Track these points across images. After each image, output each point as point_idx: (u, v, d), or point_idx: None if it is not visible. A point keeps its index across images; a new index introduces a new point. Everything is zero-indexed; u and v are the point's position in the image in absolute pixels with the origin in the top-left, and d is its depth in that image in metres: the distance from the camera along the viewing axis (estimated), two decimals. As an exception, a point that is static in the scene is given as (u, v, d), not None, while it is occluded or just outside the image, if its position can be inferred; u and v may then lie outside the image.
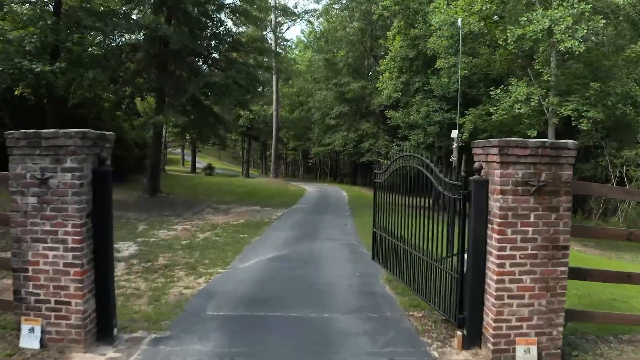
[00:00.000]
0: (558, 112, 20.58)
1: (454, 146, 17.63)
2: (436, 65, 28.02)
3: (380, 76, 35.90)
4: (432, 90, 31.99)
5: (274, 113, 42.66)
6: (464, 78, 30.74)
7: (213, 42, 24.27)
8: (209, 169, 53.22)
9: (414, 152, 30.45)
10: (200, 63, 25.66)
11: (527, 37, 20.41)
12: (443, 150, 34.25)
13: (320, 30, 49.69)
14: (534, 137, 22.75)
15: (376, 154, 41.89)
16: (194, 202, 24.37)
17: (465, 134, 26.12)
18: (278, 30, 53.49)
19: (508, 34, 21.09)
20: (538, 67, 21.29)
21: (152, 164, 23.67)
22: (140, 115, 26.88)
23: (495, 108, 21.14)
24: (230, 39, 24.43)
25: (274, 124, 43.03)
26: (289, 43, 65.21)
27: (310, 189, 37.97)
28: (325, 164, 73.87)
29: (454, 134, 18.28)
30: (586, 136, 24.52)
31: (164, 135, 46.95)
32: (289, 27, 54.62)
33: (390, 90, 34.10)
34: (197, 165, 76.06)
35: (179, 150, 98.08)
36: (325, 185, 45.57)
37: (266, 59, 26.39)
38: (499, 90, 21.37)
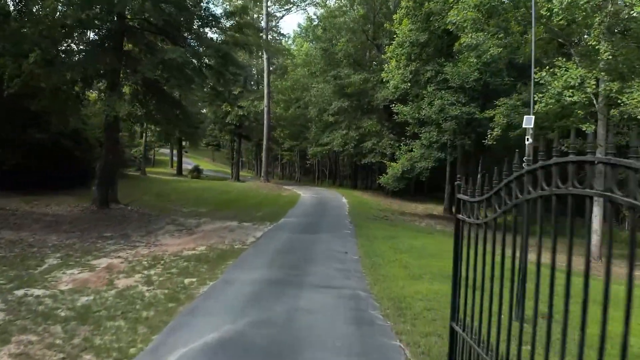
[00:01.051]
0: (620, 102, 15.79)
1: (528, 141, 12.38)
2: (461, 43, 23.21)
3: (386, 65, 31.11)
4: (448, 80, 27.28)
5: (265, 109, 38.04)
6: (485, 65, 26.13)
7: (182, 18, 19.44)
8: (196, 172, 48.49)
9: (425, 152, 25.60)
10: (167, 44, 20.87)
11: (581, 4, 15.69)
12: (459, 151, 29.47)
13: (317, 16, 44.94)
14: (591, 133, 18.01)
15: (380, 155, 37.14)
16: (158, 215, 19.59)
17: (496, 129, 21.37)
18: (271, 23, 48.71)
19: (554, 1, 16.34)
20: (592, 42, 16.50)
21: (103, 168, 18.88)
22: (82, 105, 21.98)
23: (541, 95, 16.34)
24: (203, 13, 19.61)
25: (265, 121, 38.39)
26: (285, 38, 60.33)
27: (306, 194, 33.21)
28: (324, 165, 69.05)
29: (528, 121, 12.94)
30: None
31: (141, 133, 42.29)
32: (282, 16, 49.82)
33: (398, 80, 29.33)
34: (188, 166, 71.74)
35: (167, 150, 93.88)
36: (323, 189, 40.83)
37: (250, 37, 21.44)
38: (544, 73, 16.57)
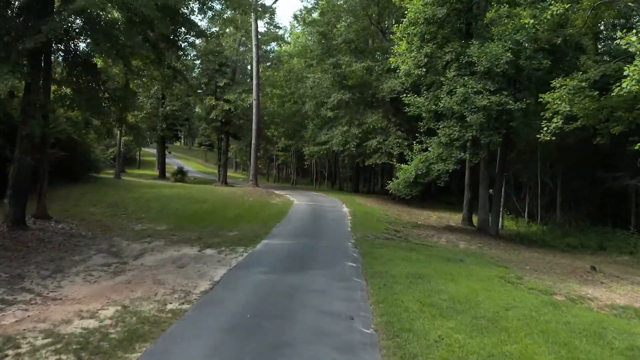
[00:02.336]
0: None
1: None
2: (497, 11, 18.24)
3: (395, 47, 26.03)
4: (471, 64, 22.27)
5: (254, 102, 33.00)
6: (516, 43, 21.17)
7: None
8: (180, 174, 43.38)
9: (444, 152, 20.77)
10: None
11: None
12: (484, 150, 24.37)
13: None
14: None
15: (386, 155, 32.06)
16: (94, 236, 14.54)
17: (556, 120, 16.31)
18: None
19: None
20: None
21: (18, 174, 13.78)
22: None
23: (634, 68, 11.25)
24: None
25: (253, 117, 33.32)
26: (280, 30, 55.02)
27: (300, 202, 28.16)
28: (322, 167, 64.01)
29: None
30: None
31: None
32: (275, 0, 44.61)
33: (410, 66, 24.28)
34: (179, 167, 66.70)
35: (170, 152, 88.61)
36: (321, 194, 35.75)
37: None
38: (633, 37, 11.49)
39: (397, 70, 26.15)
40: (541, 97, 17.54)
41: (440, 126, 23.16)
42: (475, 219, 28.60)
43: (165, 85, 22.73)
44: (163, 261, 11.52)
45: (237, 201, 25.67)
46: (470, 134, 21.62)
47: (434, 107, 23.30)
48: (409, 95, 24.28)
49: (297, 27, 54.15)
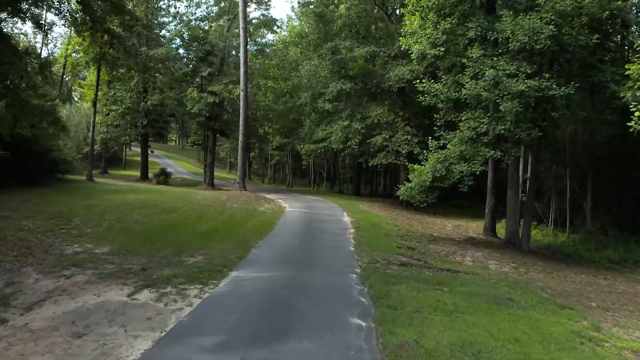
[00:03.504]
0: None
1: None
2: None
3: (405, 25, 21.81)
4: (504, 41, 18.12)
5: (242, 94, 28.69)
6: (559, 14, 17.15)
7: None
8: (163, 175, 39.06)
9: (467, 150, 16.46)
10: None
11: None
12: (518, 147, 20.05)
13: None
14: None
15: (393, 154, 27.83)
16: (-7, 268, 10.30)
17: None
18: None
19: None
20: None
21: None
22: None
23: None
24: None
25: (241, 110, 29.01)
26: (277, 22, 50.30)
27: (293, 209, 23.98)
28: (321, 167, 59.78)
29: None
30: None
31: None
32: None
33: (425, 45, 20.12)
34: (165, 168, 62.08)
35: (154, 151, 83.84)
36: (319, 199, 31.50)
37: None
38: None
39: (409, 52, 21.94)
40: (628, 69, 13.35)
41: (463, 118, 18.93)
42: (499, 229, 24.46)
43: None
44: (61, 319, 7.30)
45: (216, 209, 21.40)
46: (502, 128, 17.35)
47: (454, 94, 19.07)
48: (423, 81, 20.02)
49: (293, 19, 49.87)
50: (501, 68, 17.54)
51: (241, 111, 29.29)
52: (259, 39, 38.90)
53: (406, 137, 27.28)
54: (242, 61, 29.30)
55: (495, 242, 21.68)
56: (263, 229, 17.01)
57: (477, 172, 17.59)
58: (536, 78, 17.10)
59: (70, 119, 49.93)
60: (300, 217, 20.92)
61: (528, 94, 16.73)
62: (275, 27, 41.34)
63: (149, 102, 37.40)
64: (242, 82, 29.16)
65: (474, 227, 26.52)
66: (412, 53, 21.86)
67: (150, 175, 41.36)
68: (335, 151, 37.11)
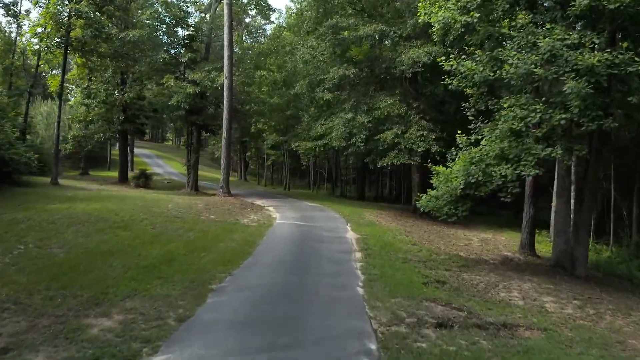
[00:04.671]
0: None
1: None
2: None
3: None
4: (561, 3, 13.66)
5: (225, 82, 24.10)
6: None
7: None
8: (143, 178, 34.50)
9: (512, 147, 12.49)
10: None
11: None
12: (580, 145, 15.33)
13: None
14: None
15: (406, 153, 23.25)
16: None
17: None
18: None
19: None
20: None
21: None
22: None
23: None
24: None
25: (224, 102, 24.38)
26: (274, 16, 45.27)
27: (284, 220, 19.47)
28: (321, 167, 55.21)
29: None
30: None
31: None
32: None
33: (452, 12, 15.58)
34: (156, 169, 57.42)
35: (144, 151, 79.05)
36: (317, 206, 26.89)
37: None
38: None
39: (430, 25, 17.34)
40: None
41: (505, 105, 14.31)
42: (540, 246, 20.03)
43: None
44: None
45: (184, 223, 16.82)
46: (563, 117, 12.73)
47: (491, 74, 14.46)
48: (453, 59, 15.40)
49: (292, 10, 45.05)
50: (559, 37, 12.99)
51: (225, 102, 24.69)
52: (249, 20, 34.42)
53: (421, 132, 22.72)
54: (226, 43, 24.68)
55: (539, 265, 17.13)
56: (237, 255, 12.42)
57: (530, 176, 13.02)
58: (607, 50, 12.58)
59: (51, 116, 45.56)
60: (292, 234, 16.32)
61: (599, 70, 12.17)
62: (270, 13, 36.82)
63: (126, 95, 32.84)
64: (226, 69, 24.58)
65: (504, 242, 21.99)
66: (433, 27, 17.35)
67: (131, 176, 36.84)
68: (337, 150, 32.50)
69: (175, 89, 26.79)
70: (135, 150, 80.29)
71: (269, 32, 40.27)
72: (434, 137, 22.69)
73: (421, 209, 15.49)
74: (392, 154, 23.17)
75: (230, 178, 64.56)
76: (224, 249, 13.20)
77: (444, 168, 15.24)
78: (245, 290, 9.25)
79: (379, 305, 8.79)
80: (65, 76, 47.67)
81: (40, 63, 37.58)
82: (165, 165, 65.76)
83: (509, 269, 15.77)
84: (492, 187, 14.00)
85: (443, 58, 15.55)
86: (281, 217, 20.53)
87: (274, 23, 41.46)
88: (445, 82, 15.88)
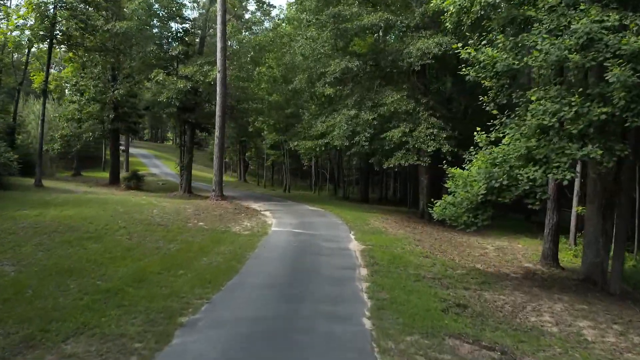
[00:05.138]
0: None
1: None
2: None
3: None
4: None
5: (218, 76, 22.27)
6: None
7: None
8: (135, 179, 32.74)
9: (542, 144, 10.71)
10: None
11: None
12: (621, 144, 13.36)
13: None
14: None
15: (415, 154, 21.37)
16: None
17: None
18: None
19: None
20: None
21: None
22: None
23: None
24: None
25: (217, 98, 22.52)
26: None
27: (281, 228, 17.63)
28: (324, 168, 53.33)
29: None
30: None
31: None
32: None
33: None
34: (153, 170, 55.63)
35: (142, 151, 77.08)
36: (317, 210, 25.04)
37: None
38: None
39: (442, 10, 15.46)
40: None
41: (534, 97, 12.38)
42: (561, 254, 18.15)
43: None
44: None
45: (167, 233, 14.97)
46: (603, 111, 10.82)
47: (516, 63, 12.58)
48: (468, 45, 13.53)
49: (293, 3, 43.04)
50: (595, 19, 11.12)
51: (218, 98, 22.83)
52: (248, 17, 32.49)
53: (431, 130, 20.81)
54: (219, 34, 22.80)
55: (566, 280, 15.20)
56: (221, 274, 10.55)
57: (567, 181, 11.07)
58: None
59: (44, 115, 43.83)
60: (288, 245, 14.44)
61: (643, 56, 10.30)
62: (270, 9, 34.95)
63: (116, 92, 31.03)
64: (219, 62, 22.71)
65: (522, 251, 20.09)
66: (444, 13, 15.51)
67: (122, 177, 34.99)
68: (339, 150, 30.60)
69: (166, 84, 24.91)
70: (133, 150, 78.59)
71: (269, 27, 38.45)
72: (444, 135, 20.80)
73: (435, 217, 13.57)
74: (399, 154, 21.27)
75: (230, 179, 63.01)
76: (207, 266, 11.33)
77: (461, 170, 13.36)
78: (222, 327, 7.37)
79: (391, 347, 6.89)
80: (60, 73, 46.13)
81: (31, 59, 35.87)
82: (163, 165, 63.95)
83: (534, 284, 13.88)
84: (518, 192, 12.11)
85: (459, 45, 13.64)
86: (278, 223, 18.66)
87: (274, 19, 39.60)
88: (461, 73, 13.97)
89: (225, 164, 74.28)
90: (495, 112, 13.20)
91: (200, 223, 17.35)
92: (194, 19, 28.91)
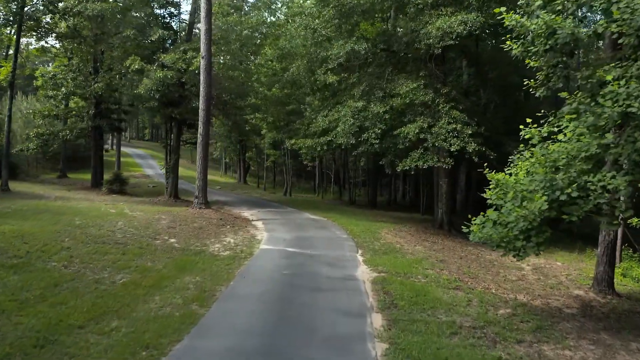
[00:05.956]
0: None
1: None
2: None
3: None
4: None
5: (202, 62, 18.89)
6: None
7: None
8: (118, 183, 29.31)
9: (631, 140, 6.74)
10: None
11: None
12: None
13: None
14: None
15: (435, 154, 17.97)
16: None
17: None
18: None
19: None
20: None
21: None
22: None
23: None
24: None
25: (201, 88, 19.15)
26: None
27: (271, 245, 14.29)
28: (329, 168, 49.85)
29: None
30: None
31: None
32: None
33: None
34: (148, 171, 52.40)
35: (139, 151, 73.89)
36: (319, 219, 21.67)
37: None
38: None
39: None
40: None
41: (609, 77, 8.87)
42: (617, 280, 14.77)
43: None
44: None
45: (123, 254, 11.61)
46: None
47: (584, 31, 9.19)
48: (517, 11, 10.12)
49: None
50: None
51: (201, 89, 19.47)
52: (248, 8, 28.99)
53: (454, 126, 17.35)
54: (202, 13, 19.40)
55: (632, 314, 11.73)
56: (170, 330, 7.16)
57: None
58: None
59: (30, 113, 40.72)
60: (276, 274, 11.02)
61: None
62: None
63: (96, 85, 27.74)
64: (203, 46, 19.35)
65: (564, 271, 16.60)
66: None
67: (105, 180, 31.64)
68: (344, 149, 27.15)
69: (145, 73, 21.60)
70: (130, 150, 75.56)
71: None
72: (470, 132, 17.34)
73: (473, 240, 10.10)
74: (415, 154, 17.81)
75: (230, 180, 59.51)
76: (155, 313, 7.96)
77: (508, 176, 9.92)
78: None
79: None
80: (49, 68, 42.94)
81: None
82: (158, 166, 60.61)
83: (598, 324, 10.44)
84: (588, 207, 8.69)
85: (502, 10, 10.17)
86: (269, 239, 15.28)
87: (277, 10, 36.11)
88: (505, 48, 10.53)
89: (226, 165, 71.11)
90: (563, 94, 9.72)
91: (171, 240, 13.99)
92: (178, 3, 25.54)
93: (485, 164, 10.02)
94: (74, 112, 30.22)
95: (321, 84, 20.41)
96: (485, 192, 10.02)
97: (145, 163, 60.53)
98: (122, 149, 73.95)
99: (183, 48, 21.84)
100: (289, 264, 11.96)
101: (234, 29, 22.17)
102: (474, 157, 17.28)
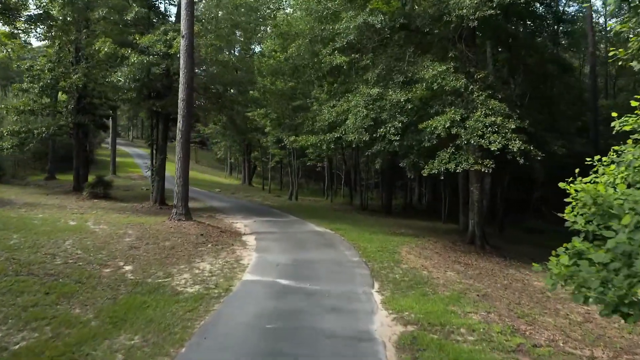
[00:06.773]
0: None
1: None
2: None
3: None
4: None
5: (182, 42, 15.49)
6: None
7: None
8: (101, 186, 26.04)
9: None
10: None
11: None
12: None
13: None
14: None
15: (470, 154, 14.38)
16: None
17: None
18: None
19: None
20: None
21: None
22: None
23: None
24: None
25: (180, 72, 15.77)
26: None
27: (258, 276, 10.85)
28: (339, 169, 46.30)
29: None
30: None
31: None
32: None
33: None
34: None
35: (139, 151, 70.66)
36: (325, 231, 18.17)
37: None
38: None
39: None
40: None
41: None
42: None
43: None
44: None
45: (47, 294, 8.19)
46: None
47: None
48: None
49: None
50: None
51: (181, 74, 16.00)
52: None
53: (493, 119, 13.74)
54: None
55: None
56: None
57: None
58: None
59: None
60: (256, 328, 7.50)
61: None
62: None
63: (74, 76, 24.51)
64: (183, 23, 15.92)
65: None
66: None
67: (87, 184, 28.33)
68: (355, 147, 23.62)
69: (120, 59, 18.25)
70: (131, 149, 72.56)
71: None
72: (513, 126, 13.73)
73: (552, 290, 6.50)
74: (444, 155, 14.19)
75: (235, 181, 56.12)
76: None
77: (610, 188, 6.31)
78: None
79: None
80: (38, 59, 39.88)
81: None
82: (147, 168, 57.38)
83: None
84: None
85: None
86: (257, 264, 11.79)
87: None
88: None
89: (231, 165, 67.66)
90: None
91: (126, 267, 10.54)
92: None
93: (577, 170, 6.44)
94: (50, 107, 27.00)
95: (326, 66, 16.84)
96: (522, 196, 6.46)
97: (144, 163, 57.26)
98: (123, 148, 71.07)
99: (164, 29, 18.42)
100: (277, 310, 8.46)
101: (225, 6, 18.68)
102: (518, 158, 13.70)
